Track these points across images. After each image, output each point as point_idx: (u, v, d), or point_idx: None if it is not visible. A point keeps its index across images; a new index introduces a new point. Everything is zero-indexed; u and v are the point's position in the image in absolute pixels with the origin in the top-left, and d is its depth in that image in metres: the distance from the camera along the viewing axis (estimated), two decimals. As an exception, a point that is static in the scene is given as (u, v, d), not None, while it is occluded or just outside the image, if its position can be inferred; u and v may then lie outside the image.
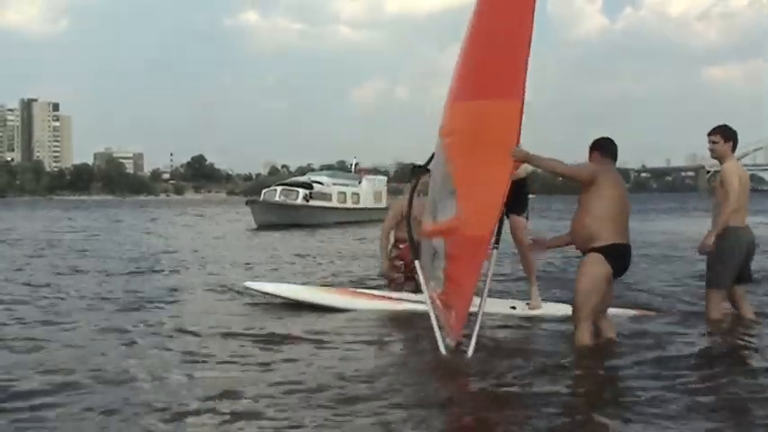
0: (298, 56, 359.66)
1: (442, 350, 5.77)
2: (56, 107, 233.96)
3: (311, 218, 32.61)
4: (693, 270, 10.68)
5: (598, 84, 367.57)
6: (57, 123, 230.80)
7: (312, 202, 34.62)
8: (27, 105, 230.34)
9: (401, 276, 8.34)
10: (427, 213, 6.50)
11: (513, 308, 7.84)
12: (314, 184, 36.06)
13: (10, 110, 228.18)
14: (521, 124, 5.67)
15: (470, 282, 5.68)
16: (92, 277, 11.45)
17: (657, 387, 5.02)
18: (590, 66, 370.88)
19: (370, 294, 8.40)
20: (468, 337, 5.80)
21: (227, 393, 4.82)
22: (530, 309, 7.79)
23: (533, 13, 5.49)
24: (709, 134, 6.88)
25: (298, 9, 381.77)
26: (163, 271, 12.42)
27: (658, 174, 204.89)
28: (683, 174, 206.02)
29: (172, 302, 8.95)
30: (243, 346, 6.34)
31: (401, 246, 8.29)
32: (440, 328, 5.90)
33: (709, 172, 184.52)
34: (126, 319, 7.58)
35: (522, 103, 5.59)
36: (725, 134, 6.84)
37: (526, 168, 7.65)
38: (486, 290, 6.26)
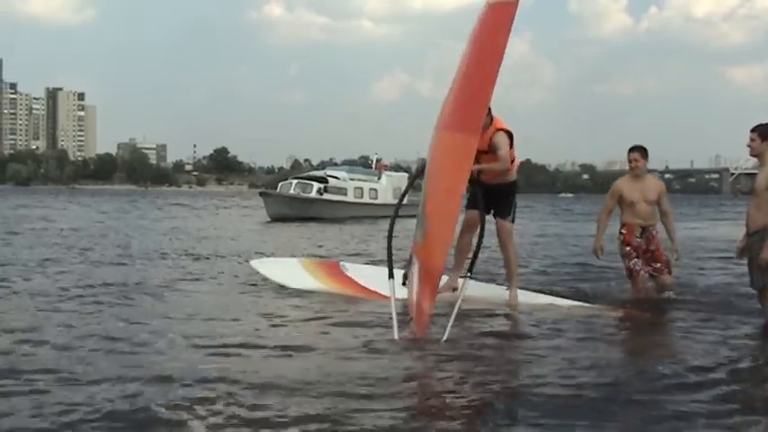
0: (321, 49, 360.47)
1: (395, 336, 5.98)
2: (81, 96, 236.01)
3: (325, 211, 32.74)
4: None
5: (621, 82, 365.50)
6: (81, 113, 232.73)
7: (327, 196, 34.77)
8: (52, 94, 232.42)
9: (637, 262, 8.13)
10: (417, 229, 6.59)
11: (491, 305, 7.81)
12: (329, 179, 36.24)
13: (35, 98, 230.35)
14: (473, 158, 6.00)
15: (428, 302, 6.00)
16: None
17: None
18: (612, 64, 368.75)
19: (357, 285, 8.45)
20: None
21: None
22: (508, 308, 7.77)
23: (505, 48, 5.44)
24: (750, 131, 6.78)
25: (321, 2, 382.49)
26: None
27: (681, 175, 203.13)
28: (707, 176, 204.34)
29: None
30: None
31: (623, 231, 8.22)
32: (398, 315, 6.16)
33: (733, 174, 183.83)
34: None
35: (477, 138, 5.91)
36: (762, 132, 6.72)
37: (514, 172, 7.89)
38: (459, 301, 6.57)
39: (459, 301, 6.51)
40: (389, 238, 7.00)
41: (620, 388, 4.84)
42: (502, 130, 7.65)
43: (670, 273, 8.20)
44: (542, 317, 7.30)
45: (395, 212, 7.29)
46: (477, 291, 7.82)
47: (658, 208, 8.20)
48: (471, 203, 7.75)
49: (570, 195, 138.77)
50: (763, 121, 6.80)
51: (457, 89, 6.10)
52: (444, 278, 7.22)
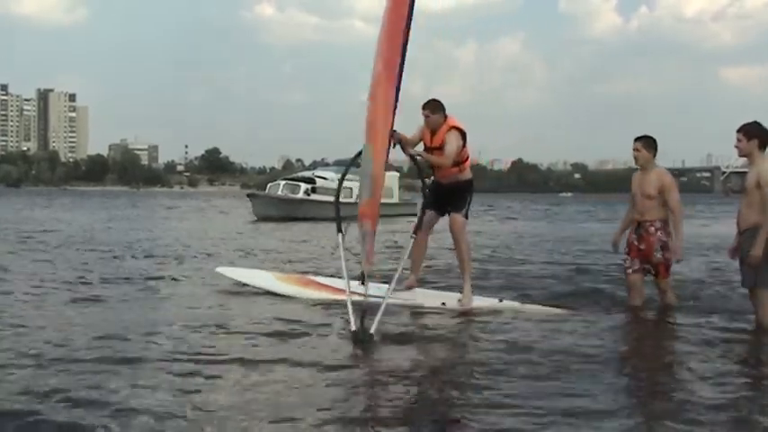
0: (313, 49, 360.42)
1: (353, 326, 6.19)
2: (72, 97, 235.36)
3: (312, 212, 32.74)
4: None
5: (611, 83, 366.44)
6: (73, 114, 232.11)
7: (314, 197, 34.79)
8: (43, 95, 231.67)
9: (627, 260, 7.71)
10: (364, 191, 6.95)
11: (444, 303, 7.84)
12: (317, 179, 36.25)
13: (27, 99, 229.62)
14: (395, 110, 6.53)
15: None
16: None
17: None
18: (603, 64, 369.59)
19: (320, 284, 8.61)
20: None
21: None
22: (460, 305, 7.73)
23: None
24: (736, 131, 6.79)
25: (313, 2, 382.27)
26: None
27: (673, 174, 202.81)
28: (698, 175, 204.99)
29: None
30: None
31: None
32: (354, 312, 6.34)
33: (724, 173, 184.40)
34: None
35: (397, 89, 6.37)
36: (747, 132, 6.73)
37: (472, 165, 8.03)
38: (397, 276, 6.86)
39: (391, 287, 6.72)
40: (336, 199, 7.65)
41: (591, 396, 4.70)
42: (455, 128, 7.74)
43: (665, 276, 7.63)
44: (500, 321, 7.19)
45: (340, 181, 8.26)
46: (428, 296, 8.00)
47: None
48: (427, 204, 7.87)
49: (569, 194, 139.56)
50: (749, 120, 6.83)
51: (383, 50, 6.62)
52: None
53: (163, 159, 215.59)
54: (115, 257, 12.83)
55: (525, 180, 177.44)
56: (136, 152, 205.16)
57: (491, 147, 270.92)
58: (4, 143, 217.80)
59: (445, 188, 7.88)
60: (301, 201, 34.17)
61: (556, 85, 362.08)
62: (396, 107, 6.51)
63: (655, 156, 7.76)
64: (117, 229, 21.73)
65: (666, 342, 6.49)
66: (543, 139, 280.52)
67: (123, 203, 52.02)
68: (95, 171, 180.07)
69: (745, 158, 6.88)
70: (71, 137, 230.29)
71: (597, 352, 5.86)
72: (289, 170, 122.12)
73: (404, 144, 7.53)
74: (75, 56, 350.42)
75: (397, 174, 46.69)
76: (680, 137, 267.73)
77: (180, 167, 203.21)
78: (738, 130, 6.77)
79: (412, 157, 7.68)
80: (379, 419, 4.32)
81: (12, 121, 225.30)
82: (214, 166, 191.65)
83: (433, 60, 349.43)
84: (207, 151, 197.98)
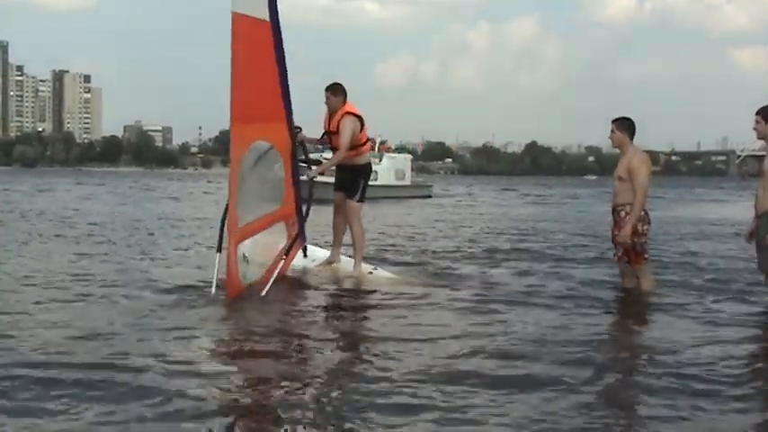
0: (324, 32, 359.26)
1: (212, 290, 6.69)
2: (87, 79, 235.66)
3: (320, 193, 32.66)
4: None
5: (626, 65, 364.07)
6: (87, 95, 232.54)
7: (323, 178, 34.66)
8: (58, 77, 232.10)
9: (612, 247, 7.62)
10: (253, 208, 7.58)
11: (371, 272, 8.29)
12: (324, 161, 36.06)
13: (42, 80, 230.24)
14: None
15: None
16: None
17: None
18: (618, 47, 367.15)
19: None
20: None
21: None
22: (351, 283, 8.00)
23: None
24: (755, 114, 6.71)
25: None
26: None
27: (688, 157, 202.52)
28: (714, 158, 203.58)
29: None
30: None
31: None
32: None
33: (740, 156, 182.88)
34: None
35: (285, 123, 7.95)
36: (766, 114, 6.64)
37: (365, 157, 8.51)
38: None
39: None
40: (223, 219, 7.34)
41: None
42: (350, 113, 7.97)
43: (637, 262, 7.32)
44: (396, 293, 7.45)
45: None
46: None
47: None
48: (336, 186, 8.57)
49: (593, 177, 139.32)
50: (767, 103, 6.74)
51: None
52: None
53: (177, 141, 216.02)
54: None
55: (539, 163, 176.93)
56: (150, 133, 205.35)
57: (504, 129, 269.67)
58: (19, 124, 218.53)
59: (344, 170, 8.34)
60: (307, 182, 34.07)
61: (570, 67, 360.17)
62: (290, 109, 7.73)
63: (632, 138, 7.38)
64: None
65: (671, 326, 6.35)
66: (557, 122, 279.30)
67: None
68: (110, 152, 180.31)
69: (762, 141, 6.82)
70: (86, 118, 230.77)
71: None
72: (298, 152, 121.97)
73: (304, 143, 8.48)
74: (90, 37, 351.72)
75: (410, 156, 46.70)
76: (695, 119, 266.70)
77: (194, 149, 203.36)
78: (757, 113, 6.71)
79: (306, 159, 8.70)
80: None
81: (27, 101, 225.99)
82: (228, 148, 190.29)
83: (445, 42, 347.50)
84: (221, 132, 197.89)
